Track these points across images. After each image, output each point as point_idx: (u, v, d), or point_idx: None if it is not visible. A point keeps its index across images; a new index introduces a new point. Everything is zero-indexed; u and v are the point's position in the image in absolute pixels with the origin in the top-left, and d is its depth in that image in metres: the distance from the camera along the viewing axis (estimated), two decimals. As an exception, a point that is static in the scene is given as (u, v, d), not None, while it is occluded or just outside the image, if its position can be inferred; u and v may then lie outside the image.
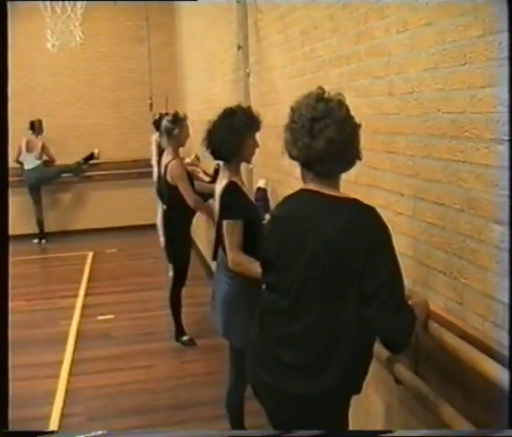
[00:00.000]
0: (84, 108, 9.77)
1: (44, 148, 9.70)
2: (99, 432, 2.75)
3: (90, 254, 8.82)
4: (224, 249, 3.48)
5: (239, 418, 3.66)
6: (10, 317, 1.82)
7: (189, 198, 5.21)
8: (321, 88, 2.15)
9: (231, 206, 3.36)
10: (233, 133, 3.35)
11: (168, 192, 5.42)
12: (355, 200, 2.10)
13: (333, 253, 2.00)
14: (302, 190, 2.19)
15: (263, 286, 2.38)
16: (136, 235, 9.79)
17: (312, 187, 2.14)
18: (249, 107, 3.69)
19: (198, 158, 7.38)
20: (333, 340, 2.05)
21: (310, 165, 2.11)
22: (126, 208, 10.22)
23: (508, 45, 1.46)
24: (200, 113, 7.87)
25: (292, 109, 2.17)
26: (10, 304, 1.81)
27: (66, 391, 4.61)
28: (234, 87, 5.59)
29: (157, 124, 7.70)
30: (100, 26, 9.11)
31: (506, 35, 1.74)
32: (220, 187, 3.41)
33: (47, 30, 7.14)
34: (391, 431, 2.50)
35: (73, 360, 5.17)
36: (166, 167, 5.34)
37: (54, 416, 4.20)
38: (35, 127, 9.55)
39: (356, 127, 2.11)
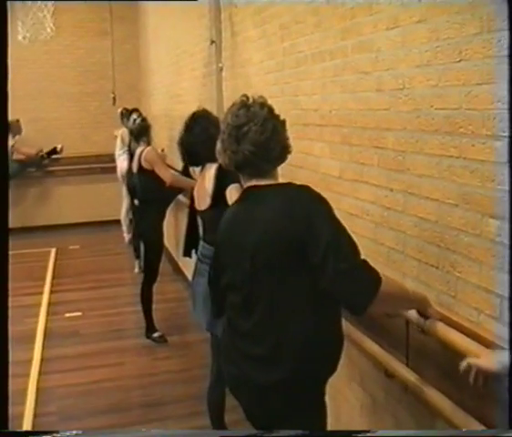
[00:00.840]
0: (46, 102, 9.57)
1: (14, 148, 9.30)
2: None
3: (53, 250, 8.67)
4: (207, 242, 3.48)
5: (219, 414, 3.65)
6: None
7: (166, 175, 5.23)
8: (244, 96, 2.27)
9: (233, 174, 3.34)
10: (209, 139, 3.23)
11: (143, 181, 5.40)
12: (288, 184, 2.22)
13: (274, 239, 2.09)
14: (244, 190, 2.31)
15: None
16: (99, 231, 9.67)
17: (250, 184, 2.26)
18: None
19: (165, 154, 7.34)
20: (288, 327, 2.10)
21: (241, 168, 2.25)
22: (88, 203, 10.06)
23: (508, 42, 1.49)
24: (167, 107, 7.83)
25: (222, 121, 2.32)
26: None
27: (38, 389, 4.53)
28: (205, 82, 5.56)
29: (121, 115, 7.67)
30: (63, 19, 8.92)
31: (505, 33, 1.77)
32: (209, 173, 3.41)
33: (18, 22, 6.97)
34: (368, 431, 2.52)
35: (42, 359, 5.08)
36: (140, 155, 5.33)
37: (27, 415, 4.12)
38: (12, 127, 9.15)
39: (279, 124, 2.23)
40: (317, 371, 2.20)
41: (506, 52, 1.77)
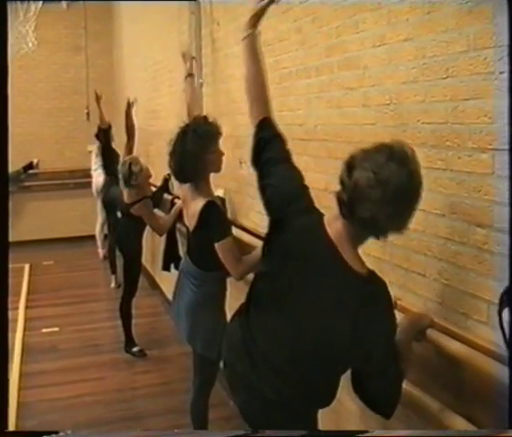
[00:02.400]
0: (20, 116, 9.51)
1: None
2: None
3: (27, 266, 8.60)
4: (190, 256, 3.50)
5: (203, 426, 3.68)
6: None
7: (158, 230, 5.25)
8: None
9: (220, 224, 3.27)
10: (189, 154, 3.22)
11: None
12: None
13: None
14: None
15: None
16: (73, 246, 9.63)
17: None
18: (203, 118, 3.50)
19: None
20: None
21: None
22: (62, 218, 10.02)
23: (508, 44, 1.57)
24: (143, 123, 7.83)
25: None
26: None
27: (18, 404, 4.50)
28: (184, 97, 5.60)
29: (98, 133, 7.65)
30: (37, 34, 8.91)
31: (490, 51, 1.87)
32: (195, 207, 3.28)
33: (0, 37, 6.92)
34: (366, 431, 2.58)
35: (21, 374, 5.05)
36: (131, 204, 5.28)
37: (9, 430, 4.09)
38: None
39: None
40: (324, 401, 2.22)
41: (491, 69, 1.87)
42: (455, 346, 2.02)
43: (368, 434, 2.42)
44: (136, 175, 5.10)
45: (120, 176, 5.18)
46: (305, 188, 2.31)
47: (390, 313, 2.07)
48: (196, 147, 3.22)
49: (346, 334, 1.99)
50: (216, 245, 3.17)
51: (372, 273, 2.07)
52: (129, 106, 5.91)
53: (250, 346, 2.20)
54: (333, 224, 2.06)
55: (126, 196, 5.25)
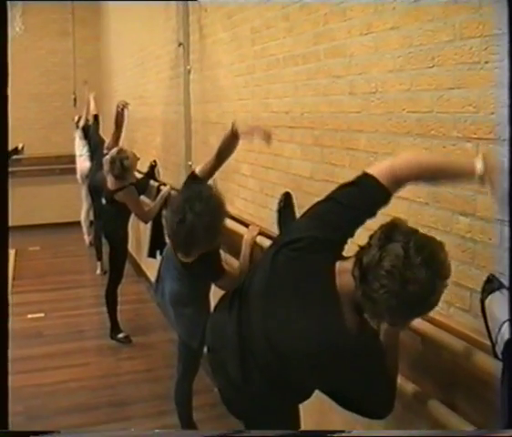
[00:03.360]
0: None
1: None
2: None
3: (12, 252, 8.54)
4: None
5: (187, 412, 3.70)
6: None
7: (143, 218, 5.33)
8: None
9: None
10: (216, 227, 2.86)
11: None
12: None
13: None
14: None
15: None
16: (59, 232, 9.61)
17: None
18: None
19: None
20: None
21: None
22: (48, 204, 9.98)
23: (508, 44, 1.58)
24: (130, 109, 7.80)
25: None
26: None
27: (3, 390, 4.48)
28: (171, 84, 5.60)
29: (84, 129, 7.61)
30: (24, 19, 8.84)
31: (476, 41, 1.88)
32: None
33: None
34: (343, 431, 2.59)
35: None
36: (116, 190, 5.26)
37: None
38: None
39: None
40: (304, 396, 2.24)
41: (477, 59, 1.88)
42: (437, 333, 2.04)
43: (345, 434, 2.42)
44: (129, 170, 5.10)
45: (107, 168, 5.14)
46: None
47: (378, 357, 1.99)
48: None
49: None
50: None
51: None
52: (123, 107, 5.82)
53: (235, 336, 2.21)
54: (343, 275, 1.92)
55: (110, 183, 5.22)
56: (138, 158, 5.41)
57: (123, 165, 5.05)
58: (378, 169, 1.99)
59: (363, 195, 2.00)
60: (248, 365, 2.15)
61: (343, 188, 2.07)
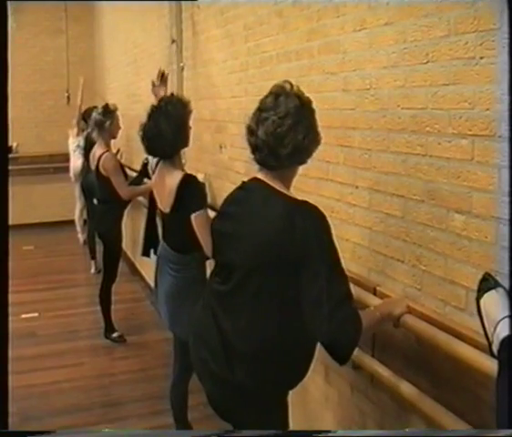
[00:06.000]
0: None
1: None
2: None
3: (6, 251, 8.50)
4: (167, 240, 3.49)
5: (182, 412, 3.67)
6: None
7: (122, 190, 5.18)
8: (286, 82, 2.17)
9: (197, 195, 3.32)
10: (179, 128, 3.33)
11: (101, 185, 5.34)
12: (302, 203, 2.10)
13: (269, 252, 2.04)
14: (253, 179, 2.22)
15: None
16: (53, 231, 9.54)
17: (260, 176, 2.17)
18: (172, 97, 3.63)
19: (121, 154, 7.28)
20: (267, 335, 2.08)
21: (253, 153, 2.16)
22: (42, 203, 9.92)
23: (508, 44, 1.56)
24: (124, 107, 7.74)
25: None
26: None
27: (-4, 391, 4.45)
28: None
29: (85, 115, 7.55)
30: (17, 17, 8.78)
31: (471, 35, 1.85)
32: (171, 182, 3.30)
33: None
34: (329, 431, 2.57)
35: (-1, 360, 4.99)
36: (99, 159, 5.25)
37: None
38: None
39: (304, 124, 2.09)
40: (287, 384, 2.22)
41: (472, 54, 1.86)
42: (432, 332, 2.02)
43: (330, 434, 2.40)
44: (111, 115, 5.30)
45: (92, 126, 5.39)
46: None
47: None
48: (169, 126, 3.28)
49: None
50: (192, 216, 3.21)
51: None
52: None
53: (215, 333, 2.20)
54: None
55: (97, 148, 5.34)
56: (120, 127, 5.59)
57: (108, 107, 5.36)
58: None
59: None
60: (230, 356, 2.15)
61: None
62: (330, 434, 2.36)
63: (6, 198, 1.57)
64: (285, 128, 2.05)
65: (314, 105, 2.15)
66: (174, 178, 3.29)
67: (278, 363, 2.11)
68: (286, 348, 2.09)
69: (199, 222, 3.20)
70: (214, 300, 2.25)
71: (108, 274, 5.51)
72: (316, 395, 3.02)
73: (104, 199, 5.36)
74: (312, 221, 2.03)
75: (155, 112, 3.37)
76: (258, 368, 2.11)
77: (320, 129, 2.16)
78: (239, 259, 2.14)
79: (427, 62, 2.06)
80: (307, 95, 2.16)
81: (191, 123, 3.47)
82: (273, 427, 2.18)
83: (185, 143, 3.45)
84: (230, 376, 2.14)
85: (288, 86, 2.15)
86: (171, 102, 3.42)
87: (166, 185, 3.34)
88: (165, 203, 3.38)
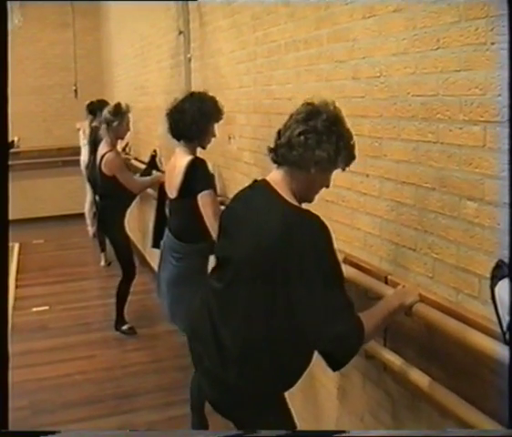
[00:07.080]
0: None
1: None
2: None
3: (16, 245, 8.53)
4: (171, 229, 3.52)
5: (201, 402, 3.65)
6: None
7: (131, 185, 5.21)
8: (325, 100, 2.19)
9: (205, 176, 3.41)
10: (203, 116, 3.43)
11: (102, 183, 5.35)
12: (303, 212, 2.09)
13: (262, 257, 2.04)
14: (262, 180, 2.22)
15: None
16: (62, 225, 9.57)
17: (270, 177, 2.18)
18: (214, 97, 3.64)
19: (129, 148, 7.30)
20: (255, 339, 2.08)
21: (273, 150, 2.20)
22: (51, 197, 9.97)
23: (509, 42, 1.55)
24: (131, 99, 7.75)
25: None
26: None
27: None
28: (172, 73, 5.55)
29: (90, 108, 7.53)
30: (23, 11, 8.78)
31: (482, 21, 1.83)
32: (181, 163, 3.39)
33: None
34: (344, 431, 2.56)
35: (11, 353, 5.01)
36: (102, 157, 5.25)
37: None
38: None
39: (323, 143, 2.07)
40: (267, 383, 2.17)
41: (483, 40, 1.84)
42: (445, 320, 2.01)
43: (346, 434, 2.40)
44: (121, 116, 5.28)
45: (103, 121, 5.34)
46: None
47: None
48: (211, 111, 3.48)
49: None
50: (199, 196, 3.28)
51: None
52: None
53: (209, 330, 2.20)
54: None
55: (103, 145, 5.31)
56: (129, 129, 5.59)
57: (111, 110, 5.31)
58: None
59: None
60: (222, 355, 2.15)
61: None
62: (344, 434, 2.35)
63: (7, 194, 1.57)
64: (310, 142, 2.05)
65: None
66: (184, 161, 3.38)
67: (269, 366, 2.11)
68: (276, 352, 2.09)
69: (206, 201, 3.27)
70: (210, 296, 2.27)
71: (127, 270, 5.49)
72: (328, 385, 3.02)
73: (105, 196, 5.37)
74: (310, 231, 2.02)
75: (187, 96, 3.55)
76: (248, 369, 2.11)
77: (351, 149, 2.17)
78: (234, 257, 2.16)
79: (438, 48, 2.04)
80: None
81: (216, 131, 3.59)
82: (273, 427, 2.16)
83: (203, 135, 3.50)
84: (223, 375, 2.15)
85: (323, 103, 2.15)
86: (203, 98, 3.53)
87: (176, 167, 3.44)
88: (173, 186, 3.46)
